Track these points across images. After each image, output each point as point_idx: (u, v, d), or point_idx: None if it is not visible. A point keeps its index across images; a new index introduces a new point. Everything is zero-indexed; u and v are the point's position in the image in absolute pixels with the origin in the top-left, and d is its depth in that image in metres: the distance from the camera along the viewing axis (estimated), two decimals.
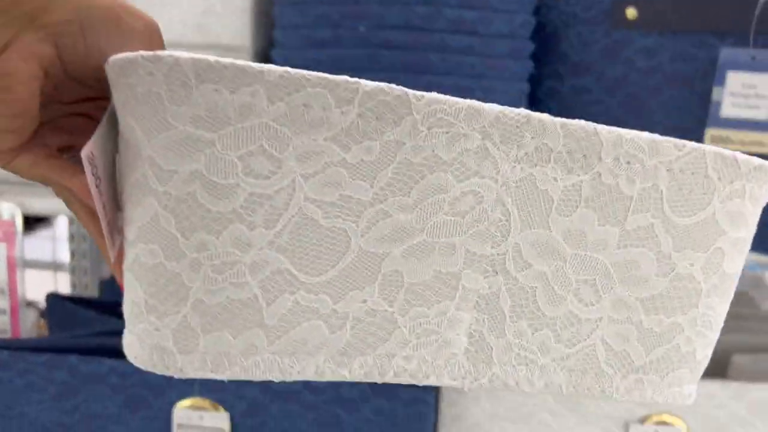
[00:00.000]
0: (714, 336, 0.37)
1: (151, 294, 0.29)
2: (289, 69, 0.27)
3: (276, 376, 0.31)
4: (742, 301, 0.88)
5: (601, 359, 0.35)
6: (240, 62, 0.27)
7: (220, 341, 0.30)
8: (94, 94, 0.32)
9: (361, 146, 0.29)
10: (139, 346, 0.30)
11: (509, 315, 0.33)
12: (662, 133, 0.62)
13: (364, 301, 0.31)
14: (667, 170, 0.32)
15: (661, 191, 0.33)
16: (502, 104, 0.31)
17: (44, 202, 0.71)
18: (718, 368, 0.69)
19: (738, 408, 0.64)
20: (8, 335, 0.67)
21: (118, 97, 0.28)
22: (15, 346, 0.64)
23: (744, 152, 0.59)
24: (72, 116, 0.33)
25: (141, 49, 0.29)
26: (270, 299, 0.30)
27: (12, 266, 0.64)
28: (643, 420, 0.64)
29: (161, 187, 0.28)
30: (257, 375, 0.31)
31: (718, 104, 0.54)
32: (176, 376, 0.30)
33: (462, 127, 0.30)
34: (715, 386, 0.63)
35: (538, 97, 0.63)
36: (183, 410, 0.62)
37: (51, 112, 0.32)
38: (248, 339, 0.30)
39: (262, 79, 0.27)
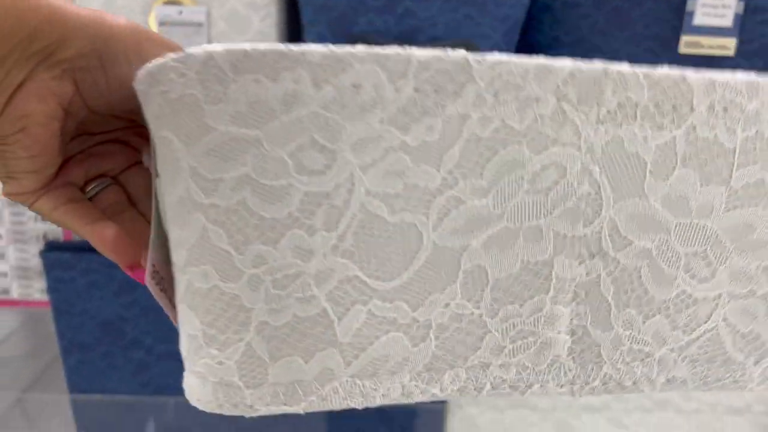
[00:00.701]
0: None
1: (208, 323, 0.26)
2: (332, 47, 0.25)
3: (358, 403, 0.28)
4: None
5: (727, 343, 0.31)
6: (278, 46, 0.24)
7: (291, 368, 0.26)
8: (123, 125, 0.30)
9: (422, 125, 0.25)
10: (202, 385, 0.27)
11: (614, 303, 0.29)
12: (641, 42, 0.71)
13: (447, 305, 0.28)
14: None
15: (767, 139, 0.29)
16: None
17: None
18: None
19: None
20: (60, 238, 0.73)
21: (150, 111, 0.25)
22: (76, 248, 0.69)
23: (709, 55, 0.68)
24: (101, 144, 0.31)
25: None
26: (341, 312, 0.26)
27: None
28: None
29: (207, 200, 0.25)
30: (336, 403, 0.27)
31: (691, 14, 0.63)
32: (246, 416, 0.27)
33: (533, 90, 0.26)
34: None
35: (533, 12, 0.70)
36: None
37: (78, 145, 0.30)
38: (323, 362, 0.27)
39: (305, 61, 0.24)
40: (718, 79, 0.28)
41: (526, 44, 0.74)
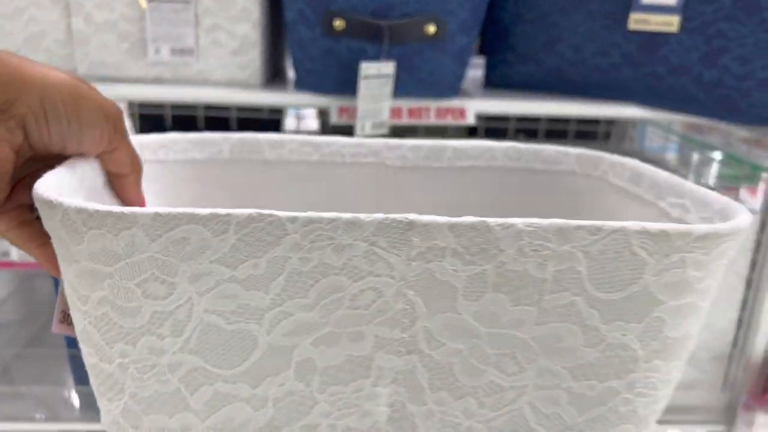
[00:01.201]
0: (663, 392, 0.34)
1: (97, 385, 0.33)
2: (161, 210, 0.28)
3: None
4: None
5: (530, 420, 0.33)
6: (116, 209, 0.28)
7: (159, 421, 0.33)
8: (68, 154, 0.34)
9: (248, 263, 0.29)
10: (104, 417, 0.34)
11: (428, 387, 0.33)
12: (596, 19, 0.76)
13: (282, 385, 0.32)
14: (584, 253, 0.29)
15: (580, 271, 0.30)
16: None
17: None
18: None
19: None
20: None
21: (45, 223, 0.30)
22: None
23: (656, 31, 0.74)
24: (48, 166, 0.33)
25: (102, 137, 0.32)
26: (192, 390, 0.32)
27: None
28: None
29: (83, 307, 0.31)
30: None
31: None
32: None
33: (344, 239, 0.29)
34: None
35: None
36: None
37: (26, 169, 0.33)
38: (182, 420, 0.33)
39: (138, 223, 0.28)
40: (525, 229, 0.29)
41: (493, 20, 0.80)
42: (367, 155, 0.47)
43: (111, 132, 0.33)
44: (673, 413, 0.89)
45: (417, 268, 0.30)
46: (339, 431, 0.34)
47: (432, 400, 0.33)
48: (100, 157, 0.35)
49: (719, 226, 0.30)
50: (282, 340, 0.31)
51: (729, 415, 0.90)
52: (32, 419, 0.86)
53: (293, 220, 0.28)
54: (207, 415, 0.32)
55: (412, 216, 0.29)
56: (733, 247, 0.31)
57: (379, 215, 0.29)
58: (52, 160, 0.33)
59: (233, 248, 0.29)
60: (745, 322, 0.87)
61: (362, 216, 0.29)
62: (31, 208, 0.33)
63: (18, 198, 0.33)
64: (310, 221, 0.28)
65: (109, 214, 0.28)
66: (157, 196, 0.44)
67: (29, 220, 0.33)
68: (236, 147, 0.46)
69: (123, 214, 0.28)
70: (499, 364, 0.32)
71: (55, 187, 0.30)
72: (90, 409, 0.86)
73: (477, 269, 0.30)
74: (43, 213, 0.29)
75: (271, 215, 0.28)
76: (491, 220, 0.29)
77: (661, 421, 0.88)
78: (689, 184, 0.38)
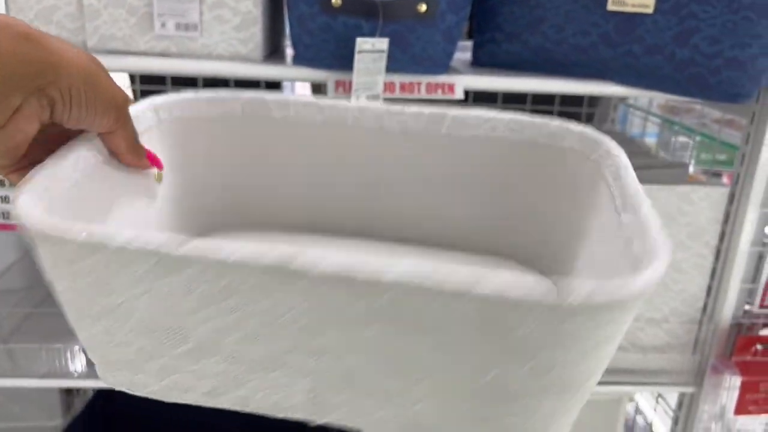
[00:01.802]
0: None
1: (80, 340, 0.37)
2: (90, 239, 0.30)
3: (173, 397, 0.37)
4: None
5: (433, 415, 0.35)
6: (56, 233, 0.30)
7: (126, 376, 0.37)
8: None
9: (164, 281, 0.32)
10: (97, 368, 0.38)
11: (340, 383, 0.35)
12: (574, 4, 0.81)
13: (217, 365, 0.35)
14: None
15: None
16: None
17: None
18: None
19: None
20: None
21: None
22: None
23: (633, 12, 0.79)
24: (61, 132, 0.37)
25: (108, 122, 0.36)
26: (144, 361, 0.35)
27: None
28: None
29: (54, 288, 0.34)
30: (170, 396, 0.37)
31: None
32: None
33: (234, 278, 0.31)
34: None
35: None
36: None
37: (41, 133, 0.36)
38: (142, 379, 0.37)
39: (74, 243, 0.30)
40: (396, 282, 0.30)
41: (481, 1, 0.84)
42: (370, 119, 0.49)
43: (115, 118, 0.37)
44: (644, 375, 0.95)
45: (313, 300, 0.31)
46: (270, 403, 0.37)
47: (346, 392, 0.35)
48: (101, 136, 0.40)
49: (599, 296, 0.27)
50: (207, 337, 0.33)
51: (698, 377, 0.96)
52: (39, 376, 0.91)
53: (188, 259, 0.29)
54: (161, 379, 0.36)
55: (297, 264, 0.29)
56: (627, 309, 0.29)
57: (269, 257, 0.29)
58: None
59: (151, 269, 0.31)
60: (713, 290, 0.93)
61: (247, 257, 0.29)
62: None
63: (32, 155, 0.36)
64: (204, 260, 0.29)
65: (47, 234, 0.30)
66: (173, 155, 0.48)
67: None
68: (247, 106, 0.50)
69: (61, 235, 0.30)
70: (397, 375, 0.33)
71: (35, 190, 0.33)
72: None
73: (366, 306, 0.30)
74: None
75: (168, 255, 0.30)
76: (364, 275, 0.28)
77: (633, 383, 0.94)
78: (645, 206, 0.35)
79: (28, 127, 0.33)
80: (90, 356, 0.38)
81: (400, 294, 0.29)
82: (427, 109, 0.48)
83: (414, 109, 0.49)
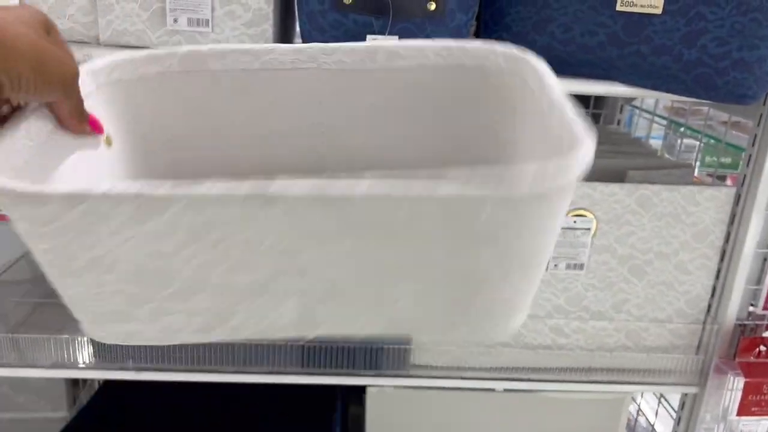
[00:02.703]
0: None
1: (66, 304, 0.38)
2: (71, 191, 0.31)
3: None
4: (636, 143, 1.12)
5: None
6: (33, 191, 0.31)
7: (117, 328, 0.38)
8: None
9: (149, 223, 0.33)
10: (82, 326, 0.39)
11: (325, 297, 0.37)
12: (585, 0, 0.82)
13: (205, 301, 0.36)
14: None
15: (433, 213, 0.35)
16: None
17: None
18: (617, 178, 0.93)
19: (629, 201, 0.89)
20: None
21: None
22: None
23: (642, 12, 0.79)
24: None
25: (55, 97, 0.37)
26: (135, 307, 0.37)
27: None
28: (566, 213, 0.88)
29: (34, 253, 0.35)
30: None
31: None
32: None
33: (218, 211, 0.33)
34: (615, 187, 0.88)
35: None
36: None
37: None
38: (134, 327, 0.38)
39: (54, 201, 0.31)
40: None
41: (490, 1, 0.85)
42: (306, 61, 0.49)
43: (63, 93, 0.38)
44: (647, 375, 0.95)
45: (291, 222, 0.33)
46: (261, 328, 0.39)
47: (331, 305, 0.38)
48: (47, 104, 0.40)
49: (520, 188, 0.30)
50: (193, 274, 0.35)
51: (701, 378, 0.96)
52: (46, 366, 0.92)
53: (169, 197, 0.31)
54: (152, 323, 0.37)
55: (273, 189, 0.30)
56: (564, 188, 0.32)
57: (245, 186, 0.30)
58: None
59: (133, 215, 0.32)
60: (718, 291, 0.94)
61: (226, 189, 0.30)
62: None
63: None
64: (186, 197, 0.31)
65: (26, 195, 0.31)
66: (119, 118, 0.48)
67: None
68: (184, 60, 0.49)
69: (39, 193, 0.31)
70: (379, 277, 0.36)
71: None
72: (103, 359, 0.91)
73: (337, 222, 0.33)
74: None
75: (150, 196, 0.31)
76: (336, 192, 0.31)
77: (637, 383, 0.95)
78: (568, 107, 0.37)
79: None
80: (77, 314, 0.38)
81: (370, 205, 0.31)
82: (361, 45, 0.49)
83: (349, 45, 0.49)
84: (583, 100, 1.26)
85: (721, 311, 0.93)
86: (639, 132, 1.46)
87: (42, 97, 0.38)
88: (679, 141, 1.28)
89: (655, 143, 1.41)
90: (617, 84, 0.81)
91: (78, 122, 0.42)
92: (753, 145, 0.87)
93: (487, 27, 0.88)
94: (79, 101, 0.41)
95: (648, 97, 1.10)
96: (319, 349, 0.90)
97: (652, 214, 0.88)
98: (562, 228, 0.87)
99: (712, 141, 1.13)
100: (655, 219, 0.88)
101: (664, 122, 1.32)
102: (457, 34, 0.77)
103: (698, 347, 0.96)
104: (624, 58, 0.79)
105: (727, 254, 0.92)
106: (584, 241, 0.88)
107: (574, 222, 0.87)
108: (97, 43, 0.78)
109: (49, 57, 0.36)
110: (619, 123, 1.28)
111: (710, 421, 0.99)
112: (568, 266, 0.89)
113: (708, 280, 0.92)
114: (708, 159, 1.71)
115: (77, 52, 0.77)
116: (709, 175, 1.36)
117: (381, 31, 0.75)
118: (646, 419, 1.28)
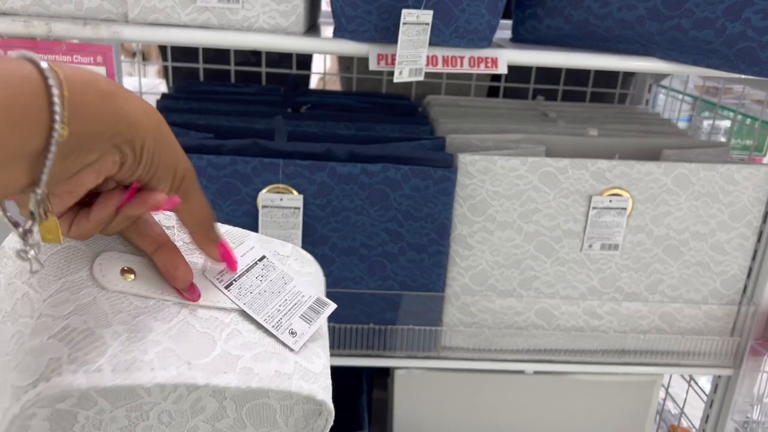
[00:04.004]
0: None
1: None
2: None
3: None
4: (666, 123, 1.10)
5: None
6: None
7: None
8: None
9: None
10: None
11: None
12: None
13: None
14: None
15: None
16: None
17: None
18: (653, 156, 0.91)
19: (666, 180, 0.87)
20: None
21: None
22: None
23: None
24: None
25: (165, 186, 0.36)
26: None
27: None
28: (601, 192, 0.87)
29: None
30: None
31: None
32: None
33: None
34: (652, 166, 0.86)
35: None
36: (266, 194, 0.81)
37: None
38: None
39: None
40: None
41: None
42: None
43: (173, 184, 0.37)
44: (682, 357, 0.94)
45: None
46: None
47: None
48: (177, 214, 0.39)
49: None
50: None
51: (736, 359, 0.95)
52: None
53: None
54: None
55: None
56: None
57: None
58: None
59: None
60: (754, 272, 0.92)
61: None
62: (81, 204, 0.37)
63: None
64: None
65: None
66: None
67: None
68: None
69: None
70: None
71: None
72: None
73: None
74: None
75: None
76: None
77: (671, 365, 0.93)
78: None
79: (93, 181, 0.33)
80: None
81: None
82: None
83: None
84: (610, 79, 1.24)
85: (757, 292, 0.92)
86: (666, 113, 1.43)
87: (153, 180, 0.36)
88: (705, 123, 1.26)
89: (682, 126, 1.39)
90: (656, 60, 0.79)
91: (205, 239, 0.41)
92: None
93: (521, 3, 0.86)
94: (203, 209, 0.39)
95: (687, 74, 1.08)
96: (348, 330, 0.89)
97: (690, 193, 0.86)
98: (597, 208, 0.85)
99: (748, 120, 1.11)
100: (692, 198, 0.86)
101: (691, 102, 1.30)
102: (493, 7, 0.75)
103: (733, 329, 0.94)
104: (664, 33, 0.77)
105: (764, 234, 0.90)
106: (619, 221, 0.86)
107: (610, 201, 0.85)
108: (125, 20, 0.77)
109: (169, 137, 0.35)
110: (647, 103, 1.26)
111: (743, 403, 0.97)
112: (602, 247, 0.87)
113: (744, 260, 0.91)
114: (732, 142, 1.69)
115: (105, 30, 0.76)
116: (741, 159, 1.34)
117: (415, 6, 0.73)
118: (675, 403, 1.27)
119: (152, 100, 1.04)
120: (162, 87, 1.38)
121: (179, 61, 1.15)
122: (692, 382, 1.17)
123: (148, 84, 1.32)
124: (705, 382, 1.18)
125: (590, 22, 0.81)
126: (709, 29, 0.75)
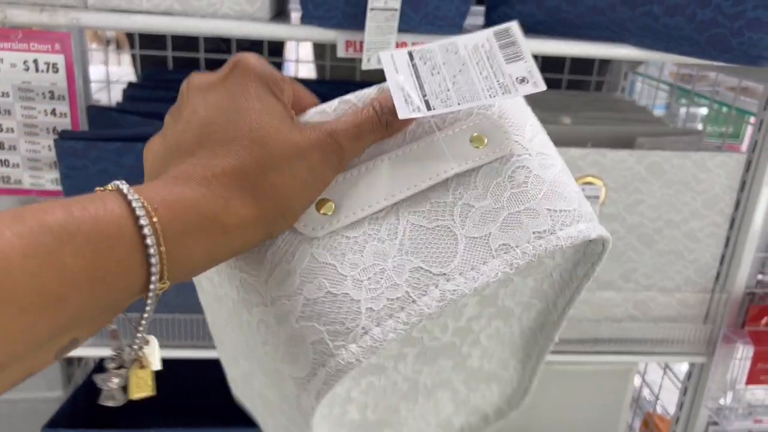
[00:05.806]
0: None
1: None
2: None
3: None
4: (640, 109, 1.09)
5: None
6: None
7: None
8: None
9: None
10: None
11: None
12: None
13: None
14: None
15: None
16: None
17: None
18: (626, 144, 0.91)
19: (639, 168, 0.87)
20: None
21: None
22: (88, 137, 0.75)
23: None
24: None
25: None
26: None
27: (71, 74, 0.76)
28: None
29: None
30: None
31: None
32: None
33: None
34: (624, 154, 0.85)
35: None
36: None
37: None
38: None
39: None
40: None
41: None
42: None
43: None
44: (655, 345, 0.94)
45: None
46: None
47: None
48: None
49: None
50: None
51: (709, 347, 0.95)
52: None
53: None
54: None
55: None
56: None
57: None
58: None
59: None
60: (727, 259, 0.92)
61: None
62: None
63: None
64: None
65: None
66: None
67: None
68: None
69: None
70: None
71: None
72: (98, 337, 0.89)
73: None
74: None
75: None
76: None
77: (645, 353, 0.93)
78: None
79: None
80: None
81: None
82: None
83: None
84: (586, 66, 1.23)
85: (730, 280, 0.92)
86: (642, 99, 1.43)
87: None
88: (682, 109, 1.25)
89: (658, 113, 1.39)
90: (628, 47, 0.78)
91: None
92: (765, 109, 0.85)
93: None
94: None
95: (659, 61, 1.07)
96: None
97: (663, 182, 0.86)
98: None
99: (723, 108, 1.11)
100: (665, 186, 0.86)
101: (668, 89, 1.29)
102: None
103: (706, 316, 0.94)
104: (635, 20, 0.76)
105: (736, 222, 0.90)
106: (593, 209, 0.85)
107: (583, 190, 0.84)
108: (85, 6, 0.74)
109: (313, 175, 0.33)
110: (622, 91, 1.25)
111: (717, 390, 0.98)
112: None
113: (717, 248, 0.91)
114: (709, 129, 1.69)
115: (62, 17, 0.73)
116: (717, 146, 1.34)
117: None
118: (650, 391, 1.27)
119: (119, 90, 1.01)
120: (132, 76, 1.34)
121: (148, 48, 1.13)
122: (668, 370, 1.17)
123: (119, 73, 1.29)
124: (681, 369, 1.19)
125: (562, 9, 0.79)
126: (680, 16, 0.74)
